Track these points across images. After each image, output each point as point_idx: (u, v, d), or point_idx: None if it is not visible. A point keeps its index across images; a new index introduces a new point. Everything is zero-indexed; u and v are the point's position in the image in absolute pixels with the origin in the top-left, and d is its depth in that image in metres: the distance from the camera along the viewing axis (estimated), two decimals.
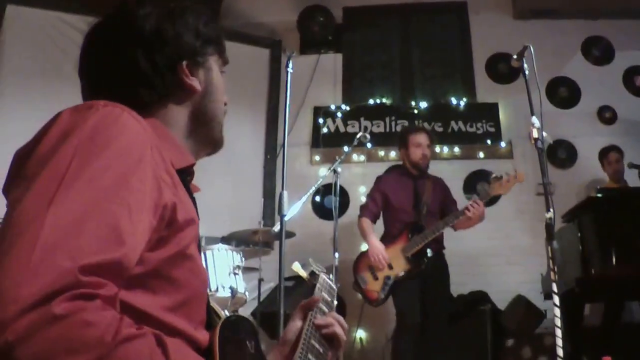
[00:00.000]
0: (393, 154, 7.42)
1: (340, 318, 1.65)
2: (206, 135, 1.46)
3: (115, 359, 0.85)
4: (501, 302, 6.30)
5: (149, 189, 1.07)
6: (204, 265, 1.30)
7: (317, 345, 1.53)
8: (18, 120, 6.62)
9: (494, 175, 6.37)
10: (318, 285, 1.74)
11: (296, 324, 1.61)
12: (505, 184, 5.14)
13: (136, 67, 1.34)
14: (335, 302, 1.78)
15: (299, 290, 5.56)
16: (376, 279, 5.45)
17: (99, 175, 0.99)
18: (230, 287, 5.11)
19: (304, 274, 1.84)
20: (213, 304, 1.35)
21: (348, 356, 6.40)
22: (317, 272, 1.81)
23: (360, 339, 6.87)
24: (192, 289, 1.17)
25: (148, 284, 1.07)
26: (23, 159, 1.07)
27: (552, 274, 3.58)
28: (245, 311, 6.37)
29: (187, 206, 1.19)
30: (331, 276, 1.85)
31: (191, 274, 1.17)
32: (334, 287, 1.81)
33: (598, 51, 7.67)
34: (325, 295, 1.71)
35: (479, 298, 6.36)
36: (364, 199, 6.13)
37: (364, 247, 5.82)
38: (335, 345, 1.60)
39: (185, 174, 1.34)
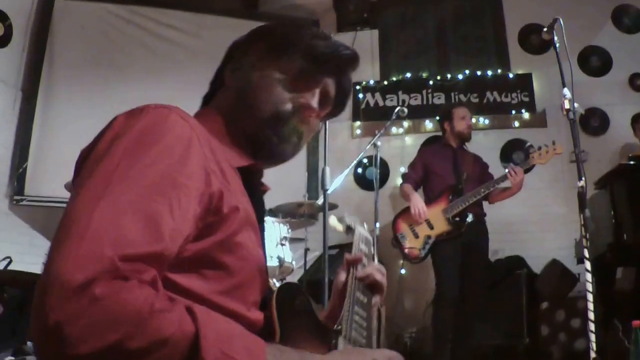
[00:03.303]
0: (430, 125, 7.57)
1: (380, 266, 1.70)
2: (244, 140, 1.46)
3: (149, 330, 0.92)
4: (536, 266, 6.43)
5: (194, 182, 1.13)
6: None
7: (361, 297, 1.58)
8: (71, 110, 6.97)
9: (528, 143, 6.53)
10: (355, 238, 1.77)
11: (341, 278, 1.69)
12: (544, 155, 5.24)
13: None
14: (372, 250, 1.82)
15: (341, 260, 5.76)
16: (417, 237, 5.59)
17: (143, 173, 1.06)
18: (278, 257, 5.30)
19: (340, 227, 1.88)
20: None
21: (391, 320, 6.59)
22: (352, 226, 1.84)
23: (402, 302, 7.08)
24: (243, 275, 1.23)
25: (200, 270, 1.14)
26: (84, 159, 1.17)
27: (584, 240, 3.68)
28: (293, 279, 6.53)
29: (235, 196, 1.24)
30: (365, 225, 1.89)
31: (242, 260, 1.22)
32: (369, 237, 1.84)
33: (628, 19, 7.60)
34: (363, 247, 1.75)
35: (515, 263, 6.50)
36: (403, 170, 6.27)
37: None
38: (378, 291, 1.66)
39: (250, 173, 1.40)
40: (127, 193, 1.02)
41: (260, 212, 1.43)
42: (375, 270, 1.66)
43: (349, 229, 1.83)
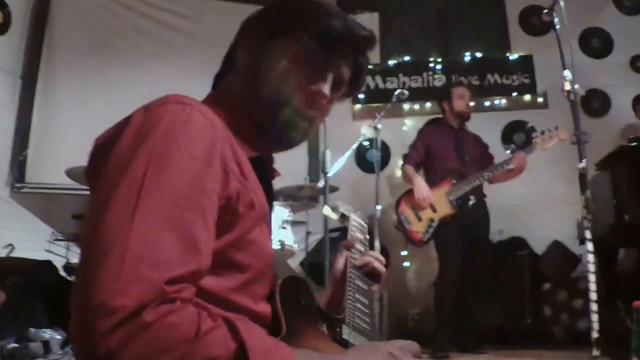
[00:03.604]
0: (431, 107, 7.55)
1: (377, 254, 1.70)
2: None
3: (197, 351, 0.92)
4: (538, 247, 6.50)
5: (218, 186, 1.12)
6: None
7: (361, 284, 1.60)
8: (71, 96, 6.98)
9: (530, 125, 6.51)
10: (350, 226, 1.79)
11: (338, 266, 1.69)
12: (547, 139, 5.26)
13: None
14: (368, 237, 1.82)
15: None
16: (420, 220, 5.62)
17: (172, 182, 1.04)
18: (280, 240, 5.31)
19: (334, 216, 1.88)
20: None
21: (393, 301, 6.60)
22: (346, 213, 1.85)
23: (405, 284, 7.11)
24: (255, 270, 1.23)
25: (214, 268, 1.11)
26: (103, 152, 1.12)
27: (585, 222, 3.71)
28: (294, 262, 6.60)
29: (251, 191, 1.23)
30: (359, 212, 1.89)
31: (254, 256, 1.22)
32: (364, 224, 1.85)
33: (629, 1, 7.55)
34: (359, 235, 1.76)
35: (517, 244, 6.54)
36: (404, 152, 6.28)
37: None
38: (377, 279, 1.68)
39: (261, 161, 1.38)
40: (160, 206, 1.01)
41: (271, 198, 1.42)
42: (373, 258, 1.68)
43: (343, 217, 1.84)
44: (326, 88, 1.41)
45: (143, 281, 0.92)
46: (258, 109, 1.39)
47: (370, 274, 1.66)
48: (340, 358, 1.18)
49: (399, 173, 6.18)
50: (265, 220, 1.29)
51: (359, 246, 1.71)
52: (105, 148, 1.12)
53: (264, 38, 1.42)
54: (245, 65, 1.42)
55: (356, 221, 1.82)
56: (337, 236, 5.92)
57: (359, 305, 1.50)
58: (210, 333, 0.95)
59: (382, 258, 1.70)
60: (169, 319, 0.91)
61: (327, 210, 1.96)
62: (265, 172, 1.40)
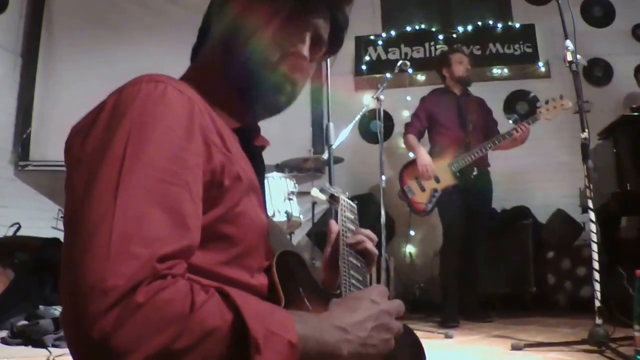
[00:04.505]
0: (433, 77, 7.47)
1: (369, 232, 1.67)
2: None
3: (194, 326, 0.89)
4: (542, 216, 6.55)
5: (202, 160, 1.10)
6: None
7: (355, 261, 1.57)
8: (72, 72, 7.01)
9: (532, 94, 6.49)
10: (340, 206, 1.76)
11: (329, 249, 1.66)
12: (551, 109, 5.19)
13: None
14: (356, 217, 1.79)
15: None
16: (423, 190, 5.63)
17: (153, 157, 1.01)
18: (286, 212, 5.37)
19: (323, 197, 1.85)
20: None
21: (399, 269, 6.68)
22: (335, 194, 1.82)
23: (410, 253, 7.18)
24: (246, 243, 1.21)
25: (203, 243, 1.08)
26: (79, 138, 1.09)
27: (587, 191, 3.75)
28: (301, 232, 6.70)
29: (237, 164, 1.20)
30: (347, 193, 1.87)
31: (244, 228, 1.19)
32: (353, 204, 1.82)
33: None
34: (349, 214, 1.74)
35: (521, 213, 6.60)
36: (407, 122, 6.28)
37: None
38: (369, 258, 1.63)
39: (246, 131, 1.35)
40: (143, 183, 0.98)
41: (261, 169, 1.40)
42: (365, 237, 1.65)
43: (332, 198, 1.83)
44: (305, 49, 1.37)
45: (134, 260, 0.89)
46: (238, 76, 1.35)
47: (362, 253, 1.63)
48: (329, 314, 1.16)
49: (402, 143, 6.18)
50: (255, 191, 1.27)
51: (350, 225, 1.70)
52: (81, 134, 1.09)
53: (236, 3, 1.39)
54: (220, 32, 1.40)
55: (345, 201, 1.80)
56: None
57: (354, 281, 1.50)
58: (205, 305, 0.92)
59: (374, 236, 1.68)
60: (161, 296, 0.88)
61: (315, 192, 1.93)
62: (250, 140, 1.39)
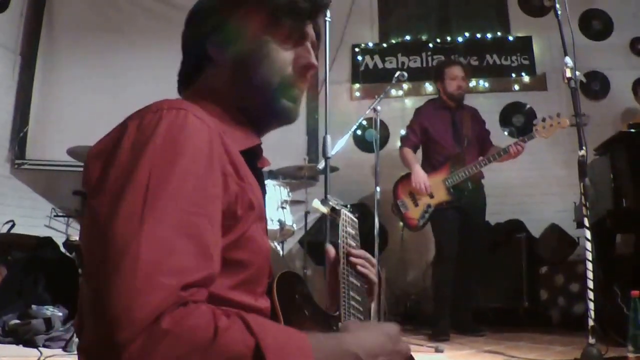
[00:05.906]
0: (430, 88, 7.52)
1: (368, 256, 1.70)
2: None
3: (218, 351, 0.91)
4: (536, 230, 6.51)
5: (219, 190, 1.11)
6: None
7: (355, 281, 1.59)
8: (70, 73, 7.01)
9: (528, 106, 6.46)
10: (341, 220, 1.75)
11: (330, 261, 1.69)
12: (548, 128, 5.12)
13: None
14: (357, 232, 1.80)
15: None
16: (417, 205, 5.60)
17: (178, 187, 1.02)
18: (279, 220, 5.36)
19: (324, 209, 1.82)
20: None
21: (391, 283, 6.64)
22: (337, 207, 1.80)
23: (403, 267, 7.13)
24: (254, 267, 1.22)
25: None
26: (99, 163, 1.10)
27: (583, 209, 3.74)
28: (293, 240, 6.67)
29: (250, 191, 1.21)
30: (349, 206, 1.85)
31: (252, 253, 1.21)
32: (355, 219, 1.82)
33: None
34: (350, 230, 1.74)
35: (515, 227, 6.56)
36: (403, 132, 6.27)
37: None
38: (369, 286, 1.68)
39: (252, 153, 1.36)
40: (168, 212, 0.99)
41: (264, 190, 1.41)
42: (365, 261, 1.68)
43: (334, 211, 1.80)
44: (313, 58, 1.43)
45: (160, 289, 0.90)
46: (257, 98, 1.38)
47: (362, 276, 1.66)
48: (344, 336, 1.18)
49: (397, 153, 6.16)
50: (262, 216, 1.29)
51: (351, 241, 1.71)
52: (101, 159, 1.10)
53: (242, 25, 1.40)
54: (230, 57, 1.39)
55: (347, 215, 1.79)
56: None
57: (353, 303, 1.51)
58: (229, 331, 0.93)
59: (374, 261, 1.71)
60: (186, 323, 0.90)
61: (316, 204, 1.90)
62: (256, 162, 1.41)
